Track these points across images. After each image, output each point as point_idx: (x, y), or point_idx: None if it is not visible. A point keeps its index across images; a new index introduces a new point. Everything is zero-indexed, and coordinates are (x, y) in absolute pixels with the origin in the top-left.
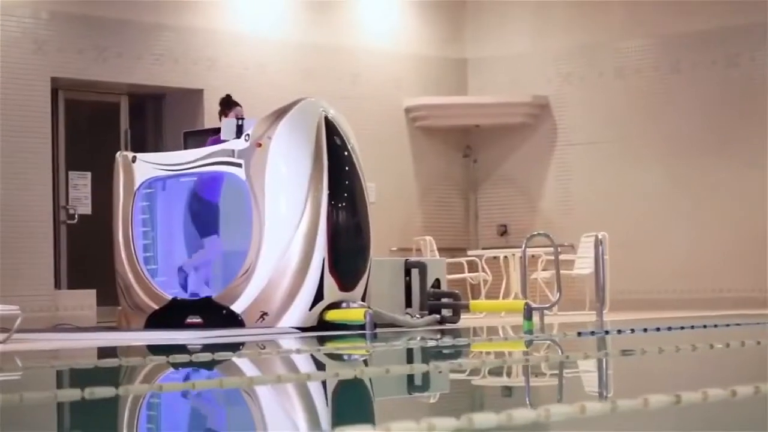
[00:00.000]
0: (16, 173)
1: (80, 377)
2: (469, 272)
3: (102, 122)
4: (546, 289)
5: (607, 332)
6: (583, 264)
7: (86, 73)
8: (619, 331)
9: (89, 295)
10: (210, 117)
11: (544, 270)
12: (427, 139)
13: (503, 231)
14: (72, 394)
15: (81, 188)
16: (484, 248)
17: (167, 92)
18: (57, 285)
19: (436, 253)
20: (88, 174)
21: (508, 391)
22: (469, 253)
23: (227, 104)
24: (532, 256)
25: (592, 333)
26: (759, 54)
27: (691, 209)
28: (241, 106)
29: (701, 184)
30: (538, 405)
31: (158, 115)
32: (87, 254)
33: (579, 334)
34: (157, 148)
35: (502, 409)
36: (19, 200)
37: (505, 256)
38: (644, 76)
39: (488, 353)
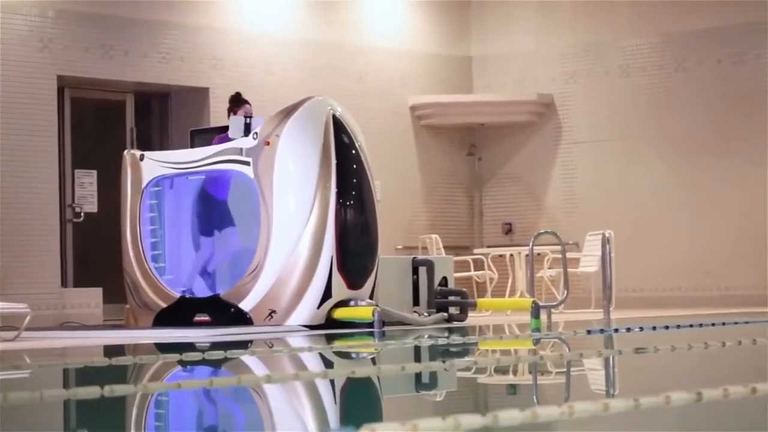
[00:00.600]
0: (22, 171)
1: (95, 375)
2: (474, 270)
3: (108, 120)
4: (552, 287)
5: (616, 330)
6: (588, 262)
7: (92, 71)
8: (628, 329)
9: (95, 293)
10: (216, 115)
11: (550, 268)
12: (432, 137)
13: (508, 229)
14: (91, 391)
15: (87, 186)
16: (488, 246)
17: (173, 90)
18: (63, 283)
19: (443, 251)
20: (94, 172)
21: (526, 389)
22: (475, 251)
23: (237, 102)
24: (538, 254)
25: (602, 331)
26: (764, 53)
27: (694, 207)
28: (250, 104)
29: (705, 182)
30: (561, 402)
31: (164, 114)
32: (93, 252)
33: (588, 332)
34: (162, 147)
35: (526, 407)
36: (26, 198)
37: (511, 254)
38: (649, 74)
39: (500, 351)
